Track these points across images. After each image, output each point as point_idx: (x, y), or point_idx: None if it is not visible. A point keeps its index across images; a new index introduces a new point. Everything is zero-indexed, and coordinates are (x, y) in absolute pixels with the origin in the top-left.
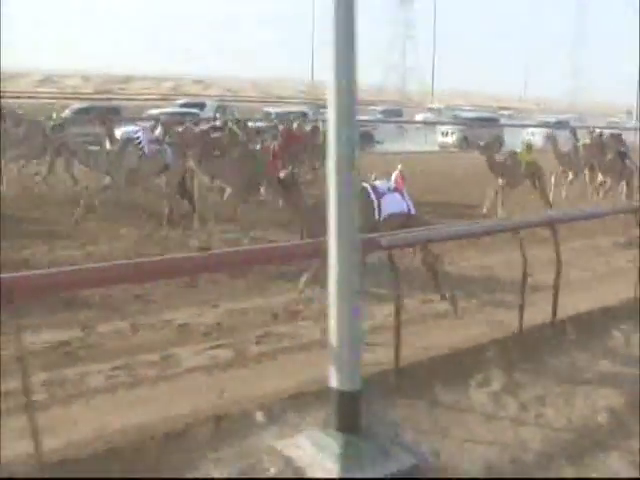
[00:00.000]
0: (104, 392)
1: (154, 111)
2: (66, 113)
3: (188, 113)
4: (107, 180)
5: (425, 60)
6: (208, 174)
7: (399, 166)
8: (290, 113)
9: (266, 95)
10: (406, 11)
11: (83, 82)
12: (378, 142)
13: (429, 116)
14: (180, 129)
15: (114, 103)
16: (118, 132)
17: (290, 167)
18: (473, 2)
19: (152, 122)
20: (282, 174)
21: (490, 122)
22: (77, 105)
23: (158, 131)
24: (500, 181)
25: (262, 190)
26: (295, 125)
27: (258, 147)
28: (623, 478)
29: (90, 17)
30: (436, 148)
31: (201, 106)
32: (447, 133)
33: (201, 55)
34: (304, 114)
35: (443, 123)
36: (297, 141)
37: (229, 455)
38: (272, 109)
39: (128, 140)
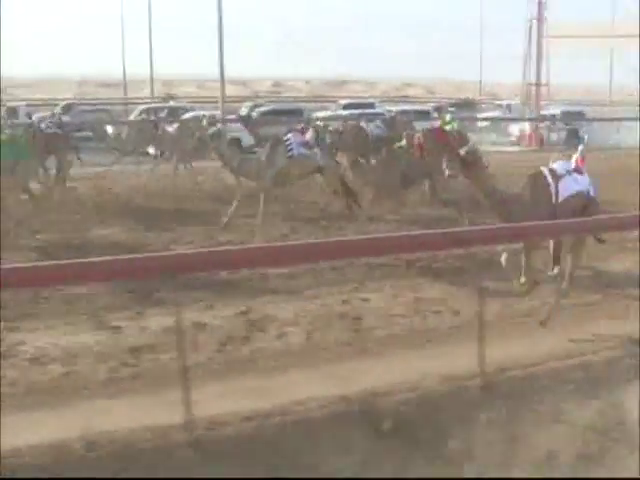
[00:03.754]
0: None
1: (320, 113)
2: (254, 114)
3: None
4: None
5: None
6: (359, 177)
7: (580, 147)
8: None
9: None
10: None
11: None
12: (579, 138)
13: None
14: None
15: (296, 105)
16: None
17: (470, 143)
18: None
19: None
20: (462, 151)
21: None
22: (264, 107)
23: (309, 135)
24: None
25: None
26: (449, 127)
27: (403, 142)
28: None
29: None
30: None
31: (370, 106)
32: None
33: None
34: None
35: None
36: (445, 142)
37: None
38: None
39: (278, 141)
